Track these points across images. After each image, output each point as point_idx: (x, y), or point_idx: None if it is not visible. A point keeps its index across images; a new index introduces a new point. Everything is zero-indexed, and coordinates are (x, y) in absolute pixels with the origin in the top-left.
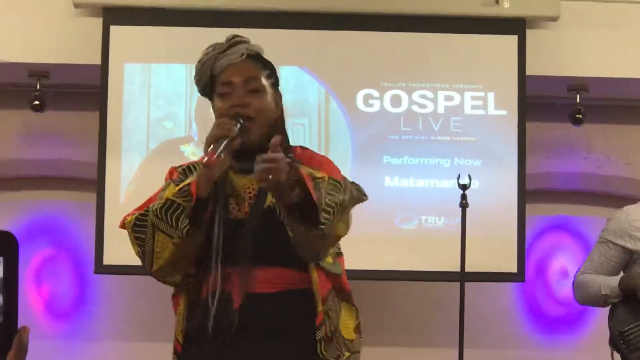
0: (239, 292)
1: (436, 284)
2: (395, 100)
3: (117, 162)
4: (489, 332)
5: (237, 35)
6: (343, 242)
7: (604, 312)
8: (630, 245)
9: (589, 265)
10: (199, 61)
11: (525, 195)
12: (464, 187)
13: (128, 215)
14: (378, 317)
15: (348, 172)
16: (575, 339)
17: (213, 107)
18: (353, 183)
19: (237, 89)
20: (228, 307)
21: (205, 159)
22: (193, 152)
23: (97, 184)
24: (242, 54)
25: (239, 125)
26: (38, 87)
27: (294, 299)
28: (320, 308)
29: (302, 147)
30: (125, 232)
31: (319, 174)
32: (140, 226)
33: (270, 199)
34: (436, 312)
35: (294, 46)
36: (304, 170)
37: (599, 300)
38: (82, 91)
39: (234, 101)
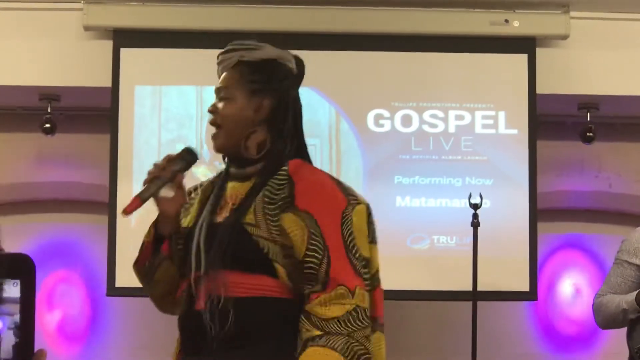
0: (205, 293)
1: (448, 304)
2: (406, 120)
3: (128, 184)
4: (501, 352)
5: (237, 42)
6: None
7: (618, 330)
8: None
9: (606, 287)
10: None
11: (537, 213)
12: (475, 207)
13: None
14: (390, 338)
15: (359, 192)
16: (589, 357)
17: None
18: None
19: (216, 96)
20: (192, 308)
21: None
22: (204, 174)
23: (108, 207)
24: (228, 64)
25: (180, 165)
26: (49, 110)
27: (264, 305)
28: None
29: (302, 164)
30: (136, 255)
31: None
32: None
33: (249, 216)
34: (448, 331)
35: (305, 66)
36: None
37: (618, 317)
38: (93, 114)
39: (209, 108)
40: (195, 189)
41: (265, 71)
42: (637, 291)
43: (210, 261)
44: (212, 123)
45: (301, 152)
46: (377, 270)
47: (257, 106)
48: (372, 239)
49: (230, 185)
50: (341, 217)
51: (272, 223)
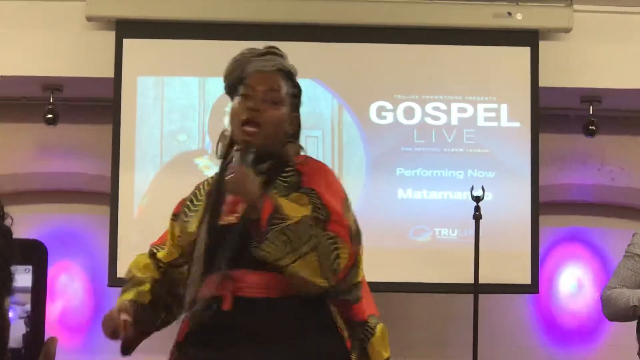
0: (230, 294)
1: (450, 296)
2: (409, 113)
3: (130, 175)
4: (502, 345)
5: (276, 48)
6: None
7: (619, 323)
8: None
9: (616, 280)
10: (234, 59)
11: (539, 206)
12: (477, 199)
13: (151, 244)
14: (392, 330)
15: (361, 184)
16: (590, 350)
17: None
18: (354, 233)
19: (256, 94)
20: (217, 309)
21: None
22: (206, 165)
23: (110, 198)
24: (274, 65)
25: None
26: (51, 101)
27: (298, 306)
28: (340, 321)
29: (307, 157)
30: (138, 245)
31: (292, 213)
32: None
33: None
34: (450, 324)
35: (307, 58)
36: (275, 201)
37: (628, 313)
38: (95, 104)
39: (249, 105)
40: (191, 201)
41: (297, 87)
42: None
43: (230, 261)
44: (252, 120)
45: None
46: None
47: (292, 120)
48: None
49: None
50: (343, 200)
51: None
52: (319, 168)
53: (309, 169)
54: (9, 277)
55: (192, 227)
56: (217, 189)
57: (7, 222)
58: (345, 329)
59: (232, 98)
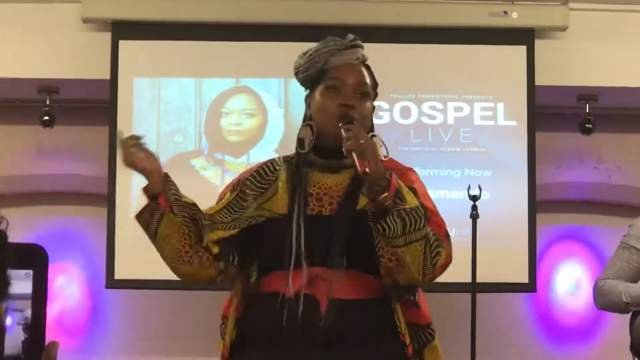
0: (326, 295)
1: (447, 295)
2: (405, 112)
3: (127, 176)
4: (500, 343)
5: (358, 39)
6: None
7: (616, 322)
8: None
9: (611, 271)
10: (314, 50)
11: (536, 205)
12: (474, 198)
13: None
14: None
15: None
16: (588, 348)
17: (307, 102)
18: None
19: (347, 88)
20: (314, 310)
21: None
22: (203, 166)
23: (107, 199)
24: (358, 58)
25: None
26: (48, 103)
27: (376, 308)
28: (404, 326)
29: (385, 156)
30: (135, 247)
31: (409, 197)
32: None
33: (363, 201)
34: (447, 323)
35: None
36: (397, 180)
37: (619, 307)
38: (91, 106)
39: (343, 99)
40: (265, 170)
41: (374, 79)
42: None
43: (326, 258)
44: (349, 116)
45: None
46: None
47: (372, 113)
48: None
49: (317, 175)
50: (433, 202)
51: None
52: (407, 168)
53: (398, 166)
54: (4, 282)
55: (250, 210)
56: (299, 180)
57: (2, 225)
58: (408, 334)
59: (311, 89)
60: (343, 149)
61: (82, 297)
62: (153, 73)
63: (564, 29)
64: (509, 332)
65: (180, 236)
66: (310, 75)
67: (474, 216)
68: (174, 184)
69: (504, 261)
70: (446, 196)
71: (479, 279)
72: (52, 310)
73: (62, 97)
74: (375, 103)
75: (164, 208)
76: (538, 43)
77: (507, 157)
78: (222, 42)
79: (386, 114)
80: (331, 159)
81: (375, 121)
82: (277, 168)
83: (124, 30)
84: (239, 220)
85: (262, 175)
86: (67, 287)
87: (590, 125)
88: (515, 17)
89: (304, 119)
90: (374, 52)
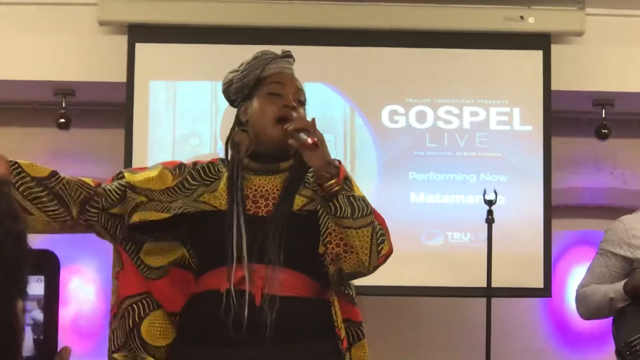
0: (260, 291)
1: (462, 300)
2: (421, 116)
3: None
4: (516, 348)
5: (290, 51)
6: None
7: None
8: (629, 254)
9: (590, 278)
10: (252, 58)
11: (551, 210)
12: (490, 203)
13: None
14: (405, 333)
15: (374, 188)
16: (603, 353)
17: (242, 109)
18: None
19: (287, 93)
20: (251, 306)
21: None
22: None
23: None
24: (292, 69)
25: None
26: (64, 105)
27: (312, 305)
28: (340, 320)
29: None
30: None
31: (355, 187)
32: None
33: (297, 203)
34: (463, 328)
35: (319, 62)
36: (345, 168)
37: (604, 307)
38: (107, 109)
39: (284, 102)
40: (209, 168)
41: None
42: (625, 280)
43: (263, 256)
44: (288, 117)
45: None
46: None
47: None
48: None
49: (255, 178)
50: None
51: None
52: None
53: None
54: (21, 280)
55: (190, 199)
56: (236, 181)
57: (21, 224)
58: (343, 328)
59: (247, 98)
60: (290, 141)
61: (97, 299)
62: (169, 76)
63: (580, 34)
64: (524, 337)
65: (45, 227)
66: (248, 83)
67: (490, 221)
68: (21, 170)
69: (519, 266)
70: (462, 201)
71: (494, 284)
72: (67, 312)
73: (78, 99)
74: (391, 107)
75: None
76: (554, 48)
77: (523, 162)
78: (239, 45)
79: (402, 118)
80: (267, 163)
81: (391, 125)
82: (220, 169)
83: (141, 33)
84: (174, 204)
85: (206, 171)
86: (82, 290)
87: (606, 131)
88: (532, 22)
89: (235, 126)
90: (390, 56)
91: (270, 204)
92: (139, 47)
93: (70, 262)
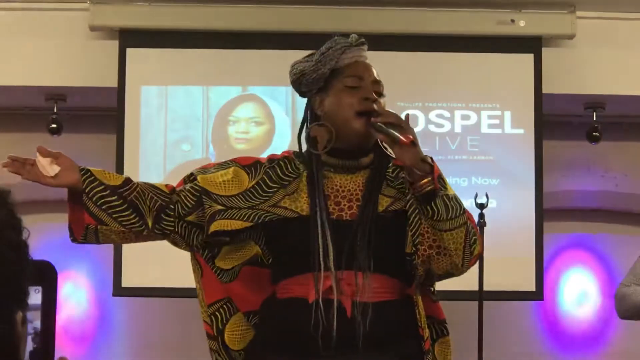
0: (350, 300)
1: (454, 303)
2: (412, 120)
3: None
4: (507, 351)
5: (362, 37)
6: None
7: (623, 330)
8: None
9: (633, 277)
10: (326, 48)
11: (543, 213)
12: (481, 207)
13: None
14: None
15: None
16: (595, 357)
17: (317, 102)
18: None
19: (367, 85)
20: (341, 315)
21: None
22: None
23: None
24: (366, 57)
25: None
26: (55, 110)
27: (401, 308)
28: (423, 320)
29: None
30: (143, 255)
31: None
32: None
33: (382, 204)
34: (454, 331)
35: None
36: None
37: None
38: (99, 114)
39: (365, 94)
40: (285, 164)
41: None
42: None
43: (351, 263)
44: (370, 110)
45: None
46: None
47: None
48: None
49: (335, 177)
50: None
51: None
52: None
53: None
54: (21, 291)
55: (270, 203)
56: (318, 183)
57: (24, 236)
58: (426, 327)
59: (321, 91)
60: (380, 142)
61: (90, 304)
62: (160, 81)
63: (571, 37)
64: (516, 340)
65: (120, 237)
66: (322, 75)
67: (481, 224)
68: (94, 178)
69: (511, 269)
70: None
71: (486, 287)
72: (60, 318)
73: (70, 105)
74: None
75: (89, 222)
76: (545, 51)
77: (514, 165)
78: (230, 50)
79: None
80: (347, 159)
81: None
82: (298, 167)
83: (132, 38)
84: (255, 210)
85: (283, 170)
86: (74, 295)
87: (597, 134)
88: (523, 25)
89: (309, 121)
90: (381, 60)
91: (354, 205)
92: (130, 52)
93: (63, 268)
